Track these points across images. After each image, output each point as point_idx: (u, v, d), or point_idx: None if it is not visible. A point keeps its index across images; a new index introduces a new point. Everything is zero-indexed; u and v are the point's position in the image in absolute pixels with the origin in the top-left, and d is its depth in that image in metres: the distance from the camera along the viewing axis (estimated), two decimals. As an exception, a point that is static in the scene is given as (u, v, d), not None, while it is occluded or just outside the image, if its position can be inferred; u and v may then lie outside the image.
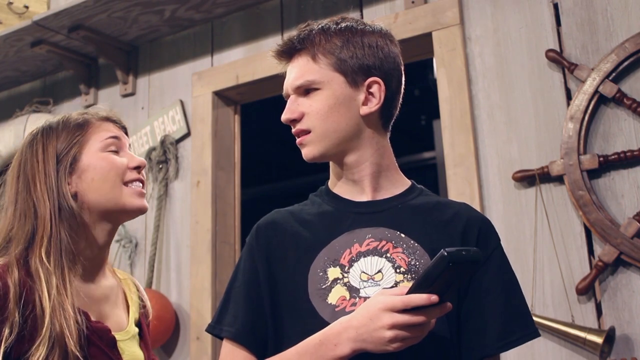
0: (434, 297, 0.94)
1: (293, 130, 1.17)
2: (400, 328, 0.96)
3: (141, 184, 1.30)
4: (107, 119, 1.32)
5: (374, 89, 1.15)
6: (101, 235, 1.27)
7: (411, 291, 0.96)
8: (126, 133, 1.35)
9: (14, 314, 1.09)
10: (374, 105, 1.15)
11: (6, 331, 1.08)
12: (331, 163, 1.21)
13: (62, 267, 1.17)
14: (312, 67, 1.14)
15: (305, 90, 1.15)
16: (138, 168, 1.29)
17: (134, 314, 1.34)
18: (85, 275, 1.24)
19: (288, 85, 1.17)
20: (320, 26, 1.17)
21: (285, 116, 1.16)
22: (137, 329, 1.32)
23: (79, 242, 1.23)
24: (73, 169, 1.25)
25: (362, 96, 1.14)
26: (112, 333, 1.23)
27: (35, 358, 1.09)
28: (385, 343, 0.97)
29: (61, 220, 1.20)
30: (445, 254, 0.90)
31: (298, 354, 1.04)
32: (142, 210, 1.29)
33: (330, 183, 1.22)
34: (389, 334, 0.96)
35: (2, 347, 1.07)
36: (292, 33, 1.19)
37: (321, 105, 1.13)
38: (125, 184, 1.27)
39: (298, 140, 1.16)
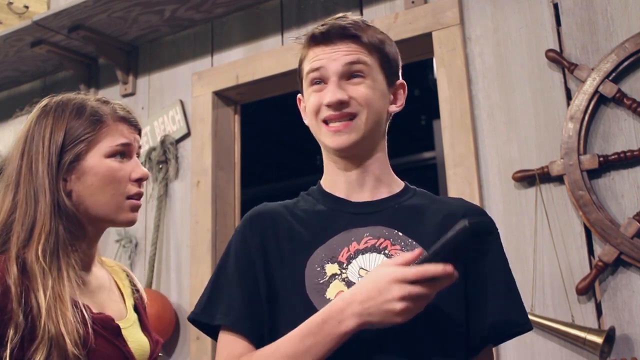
0: (449, 268, 0.91)
1: (335, 113, 1.12)
2: (411, 299, 0.93)
3: (139, 198, 1.26)
4: (123, 120, 1.26)
5: (400, 90, 1.21)
6: (94, 232, 1.25)
7: (424, 260, 0.93)
8: (139, 134, 1.30)
9: (17, 315, 1.06)
10: (399, 105, 1.21)
11: (11, 332, 1.05)
12: (329, 159, 1.20)
13: (58, 264, 1.14)
14: (365, 57, 1.14)
15: (351, 75, 1.13)
16: (140, 180, 1.25)
17: (129, 299, 1.32)
18: (82, 268, 1.21)
19: (335, 68, 1.13)
20: (361, 20, 1.18)
21: (335, 97, 1.11)
22: (136, 315, 1.30)
23: (76, 236, 1.20)
24: (74, 166, 1.21)
25: (391, 95, 1.19)
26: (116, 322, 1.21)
27: None
28: (393, 315, 0.94)
29: (60, 215, 1.17)
30: (467, 224, 0.87)
31: (301, 334, 1.01)
32: (130, 224, 1.27)
33: (323, 182, 1.22)
34: (400, 305, 0.93)
35: (9, 348, 1.04)
36: (324, 22, 1.17)
37: (368, 92, 1.13)
38: (125, 197, 1.23)
39: (340, 125, 1.12)
